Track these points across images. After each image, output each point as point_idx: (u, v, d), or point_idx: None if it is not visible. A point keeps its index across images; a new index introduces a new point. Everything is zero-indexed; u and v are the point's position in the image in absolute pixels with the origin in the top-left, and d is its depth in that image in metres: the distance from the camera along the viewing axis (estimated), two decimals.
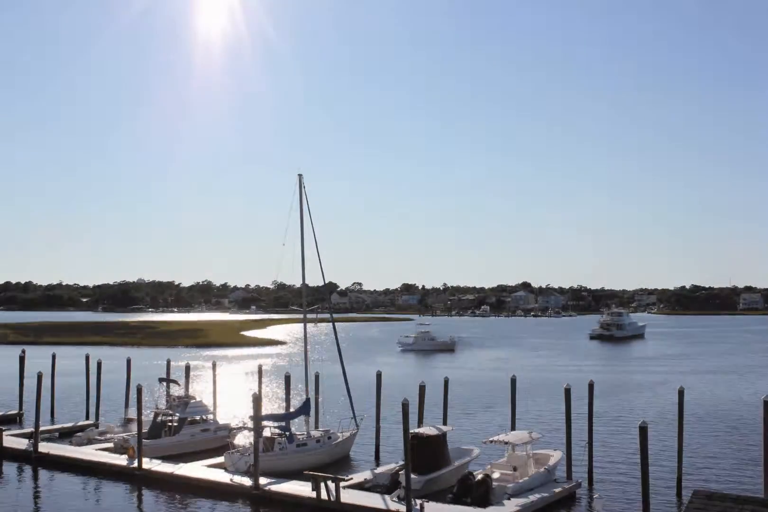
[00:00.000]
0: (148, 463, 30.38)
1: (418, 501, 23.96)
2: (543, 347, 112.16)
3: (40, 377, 35.83)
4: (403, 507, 23.83)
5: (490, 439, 28.63)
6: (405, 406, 24.77)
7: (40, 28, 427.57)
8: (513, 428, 32.31)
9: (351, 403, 35.49)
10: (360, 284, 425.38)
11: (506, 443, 28.18)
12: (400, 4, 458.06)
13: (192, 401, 36.69)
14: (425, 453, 27.66)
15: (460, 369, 75.68)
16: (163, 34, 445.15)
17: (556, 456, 29.10)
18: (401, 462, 28.06)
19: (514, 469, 27.12)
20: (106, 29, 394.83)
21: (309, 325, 37.60)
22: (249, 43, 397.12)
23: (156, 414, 36.10)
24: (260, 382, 41.37)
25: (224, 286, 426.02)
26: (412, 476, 24.62)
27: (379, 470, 28.78)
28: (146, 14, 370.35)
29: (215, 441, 35.07)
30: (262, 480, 27.30)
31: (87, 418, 42.81)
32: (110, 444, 34.10)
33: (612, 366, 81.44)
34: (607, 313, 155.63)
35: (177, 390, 42.40)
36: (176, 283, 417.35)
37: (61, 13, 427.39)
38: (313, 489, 25.58)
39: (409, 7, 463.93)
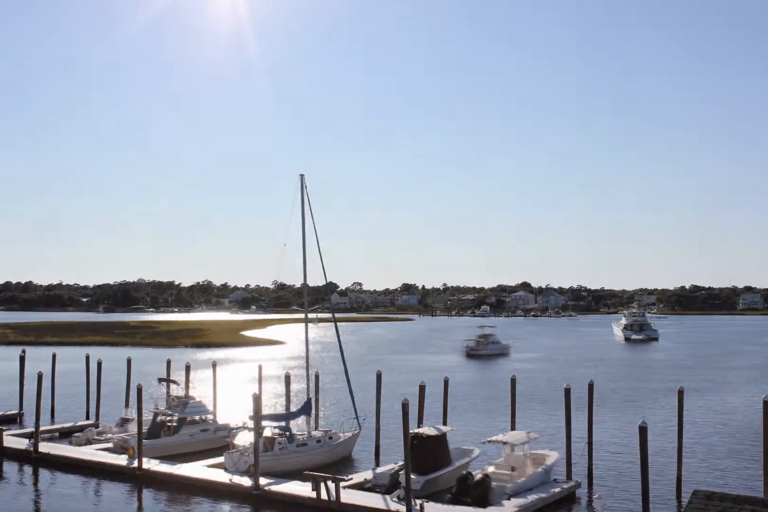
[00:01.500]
0: (148, 463, 30.38)
1: (418, 502, 23.96)
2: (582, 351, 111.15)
3: (40, 377, 35.82)
4: (403, 508, 23.81)
5: (489, 439, 28.66)
6: (405, 406, 24.74)
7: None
8: (513, 428, 32.31)
9: (353, 404, 35.49)
10: (360, 284, 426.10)
11: (504, 443, 28.18)
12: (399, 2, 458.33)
13: (191, 401, 36.66)
14: (425, 453, 27.64)
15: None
16: (166, 32, 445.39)
17: (552, 456, 29.08)
18: (400, 462, 28.08)
19: (512, 469, 27.09)
20: (103, 29, 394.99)
21: (313, 325, 37.52)
22: (253, 41, 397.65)
23: (155, 414, 36.06)
24: (260, 382, 41.34)
25: (224, 286, 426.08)
26: (412, 476, 24.60)
27: (379, 470, 28.74)
28: (148, 12, 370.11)
29: (214, 441, 35.04)
30: (262, 481, 27.28)
31: (87, 418, 42.81)
32: (110, 444, 34.10)
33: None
34: (629, 313, 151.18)
35: (177, 390, 42.37)
36: (176, 283, 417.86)
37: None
38: (313, 490, 25.57)
39: (411, 5, 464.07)
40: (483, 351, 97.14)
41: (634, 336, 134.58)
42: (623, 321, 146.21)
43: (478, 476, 25.78)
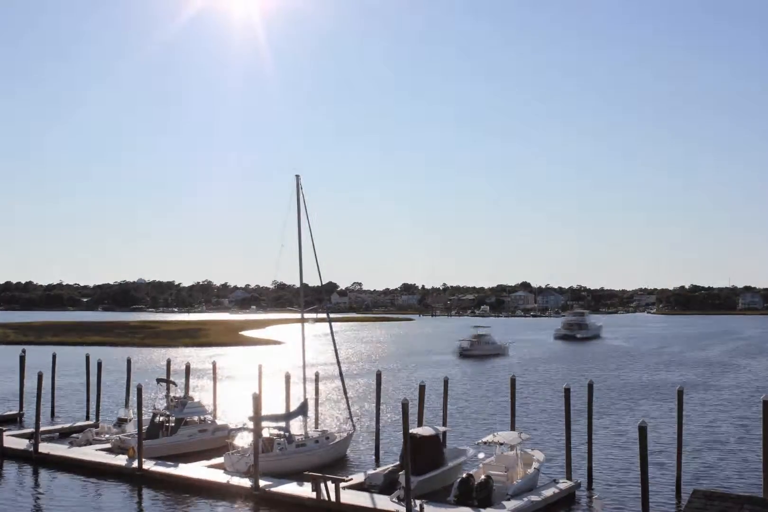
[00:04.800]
0: (147, 464, 30.35)
1: (418, 502, 23.92)
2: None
3: (40, 377, 35.76)
4: (402, 508, 23.76)
5: (482, 440, 28.48)
6: (404, 406, 24.68)
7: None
8: (512, 428, 32.25)
9: (348, 404, 35.47)
10: (360, 284, 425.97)
11: (501, 444, 28.03)
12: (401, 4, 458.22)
13: (190, 401, 36.58)
14: (420, 453, 27.51)
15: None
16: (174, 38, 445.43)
17: (538, 455, 29.03)
18: (397, 463, 28.03)
19: (506, 470, 27.01)
20: (101, 30, 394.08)
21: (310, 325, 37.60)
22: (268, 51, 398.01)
23: (154, 415, 36.02)
24: (260, 382, 41.29)
25: (224, 286, 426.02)
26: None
27: (378, 470, 28.70)
28: (155, 21, 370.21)
29: (213, 442, 34.91)
30: (262, 481, 27.27)
31: (87, 418, 42.75)
32: (109, 445, 34.06)
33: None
34: (569, 313, 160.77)
35: (176, 391, 42.33)
36: (176, 283, 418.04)
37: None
38: (313, 490, 25.53)
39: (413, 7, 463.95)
40: (476, 351, 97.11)
41: (577, 335, 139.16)
42: (563, 319, 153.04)
43: (480, 477, 25.72)
